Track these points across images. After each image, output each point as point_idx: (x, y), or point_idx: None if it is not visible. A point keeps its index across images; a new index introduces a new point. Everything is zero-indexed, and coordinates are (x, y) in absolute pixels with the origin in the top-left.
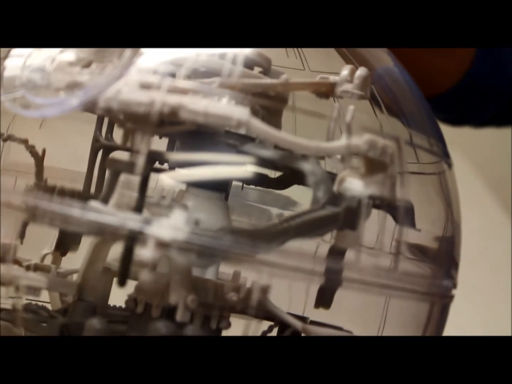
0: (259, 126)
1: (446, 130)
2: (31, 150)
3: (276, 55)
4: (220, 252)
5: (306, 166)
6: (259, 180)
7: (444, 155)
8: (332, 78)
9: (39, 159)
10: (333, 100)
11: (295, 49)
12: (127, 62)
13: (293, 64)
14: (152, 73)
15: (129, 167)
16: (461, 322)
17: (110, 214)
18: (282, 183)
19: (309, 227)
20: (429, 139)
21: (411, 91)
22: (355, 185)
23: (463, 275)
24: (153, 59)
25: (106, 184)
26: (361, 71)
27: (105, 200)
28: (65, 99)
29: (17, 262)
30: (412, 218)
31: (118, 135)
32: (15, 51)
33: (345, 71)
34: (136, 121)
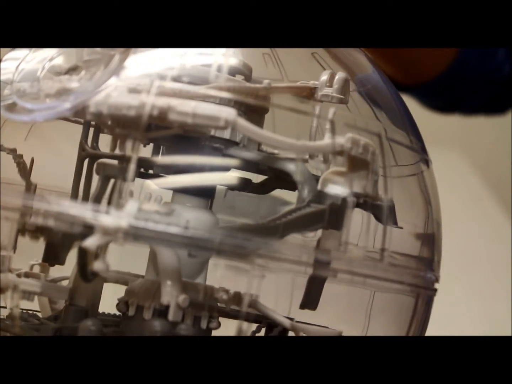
0: (246, 126)
1: (447, 131)
2: (19, 161)
3: (255, 64)
4: (213, 245)
5: (291, 166)
6: (243, 185)
7: (423, 153)
8: (312, 82)
9: (26, 171)
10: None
11: (274, 58)
12: (116, 67)
13: (272, 73)
14: (140, 77)
15: (117, 171)
16: (461, 322)
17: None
18: (265, 188)
19: (297, 224)
20: (409, 138)
21: (392, 95)
22: (338, 184)
23: (464, 275)
24: (141, 64)
25: (96, 189)
26: (340, 75)
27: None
28: (57, 104)
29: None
30: (393, 215)
31: (103, 143)
32: (9, 55)
33: (325, 75)
34: (126, 125)
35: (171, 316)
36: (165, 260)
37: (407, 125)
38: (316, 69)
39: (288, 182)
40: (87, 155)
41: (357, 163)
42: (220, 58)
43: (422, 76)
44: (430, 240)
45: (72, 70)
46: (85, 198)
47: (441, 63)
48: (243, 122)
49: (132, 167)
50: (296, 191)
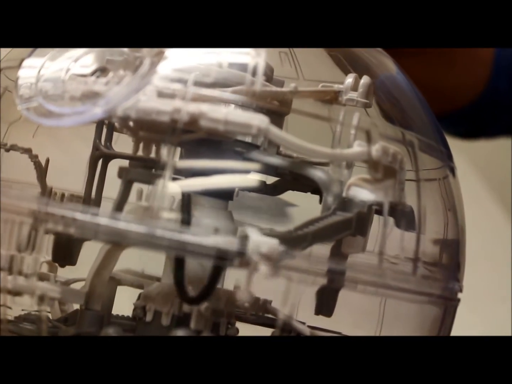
0: (279, 134)
1: None
2: (35, 161)
3: (270, 62)
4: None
5: (317, 173)
6: (259, 187)
7: (449, 160)
8: (337, 86)
9: (42, 170)
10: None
11: (291, 57)
12: (148, 71)
13: (287, 72)
14: (170, 81)
15: (146, 176)
16: (461, 322)
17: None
18: (277, 189)
19: (325, 233)
20: (437, 144)
21: (415, 97)
22: (365, 191)
23: (464, 275)
24: (171, 68)
25: (118, 194)
26: (365, 80)
27: (118, 210)
28: (86, 108)
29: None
30: (413, 223)
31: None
32: (28, 62)
33: (349, 79)
34: (153, 129)
35: (193, 324)
36: (191, 268)
37: (432, 131)
38: (333, 70)
39: (302, 185)
40: (101, 154)
41: (385, 171)
42: (255, 60)
43: (452, 106)
44: (455, 247)
45: (99, 71)
46: (97, 200)
47: (471, 93)
48: (275, 130)
49: (168, 173)
50: (308, 193)
